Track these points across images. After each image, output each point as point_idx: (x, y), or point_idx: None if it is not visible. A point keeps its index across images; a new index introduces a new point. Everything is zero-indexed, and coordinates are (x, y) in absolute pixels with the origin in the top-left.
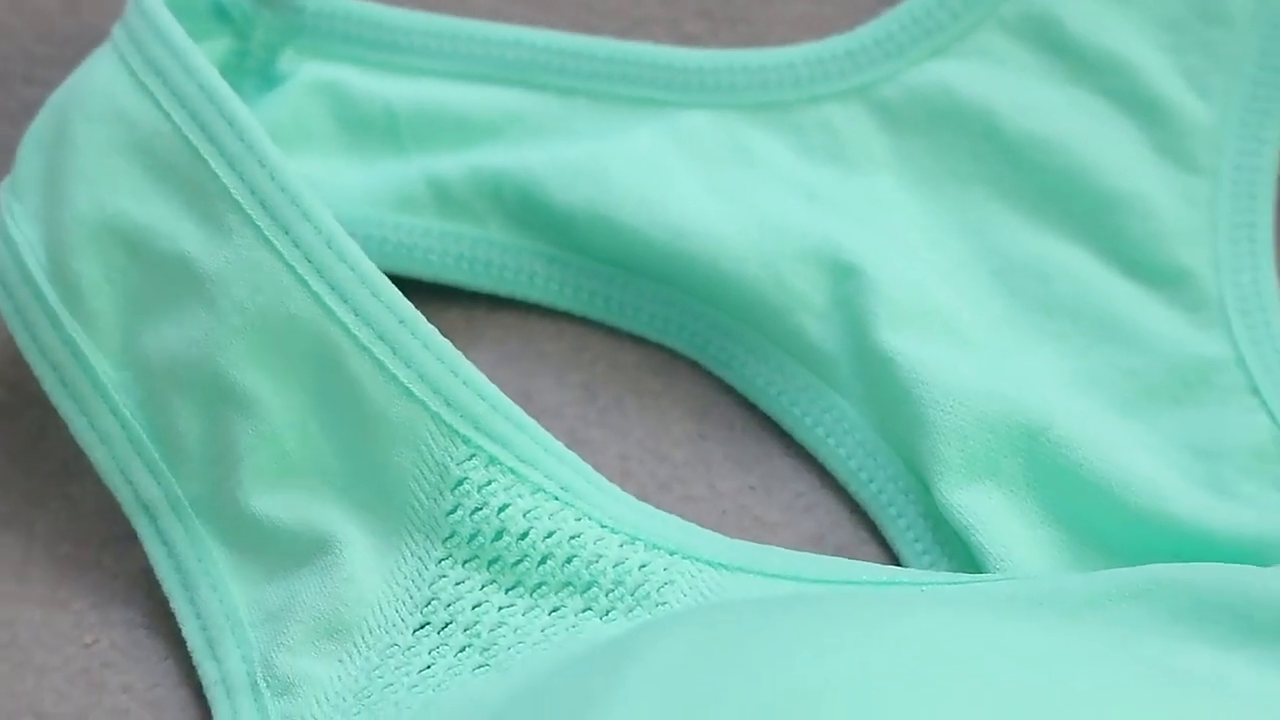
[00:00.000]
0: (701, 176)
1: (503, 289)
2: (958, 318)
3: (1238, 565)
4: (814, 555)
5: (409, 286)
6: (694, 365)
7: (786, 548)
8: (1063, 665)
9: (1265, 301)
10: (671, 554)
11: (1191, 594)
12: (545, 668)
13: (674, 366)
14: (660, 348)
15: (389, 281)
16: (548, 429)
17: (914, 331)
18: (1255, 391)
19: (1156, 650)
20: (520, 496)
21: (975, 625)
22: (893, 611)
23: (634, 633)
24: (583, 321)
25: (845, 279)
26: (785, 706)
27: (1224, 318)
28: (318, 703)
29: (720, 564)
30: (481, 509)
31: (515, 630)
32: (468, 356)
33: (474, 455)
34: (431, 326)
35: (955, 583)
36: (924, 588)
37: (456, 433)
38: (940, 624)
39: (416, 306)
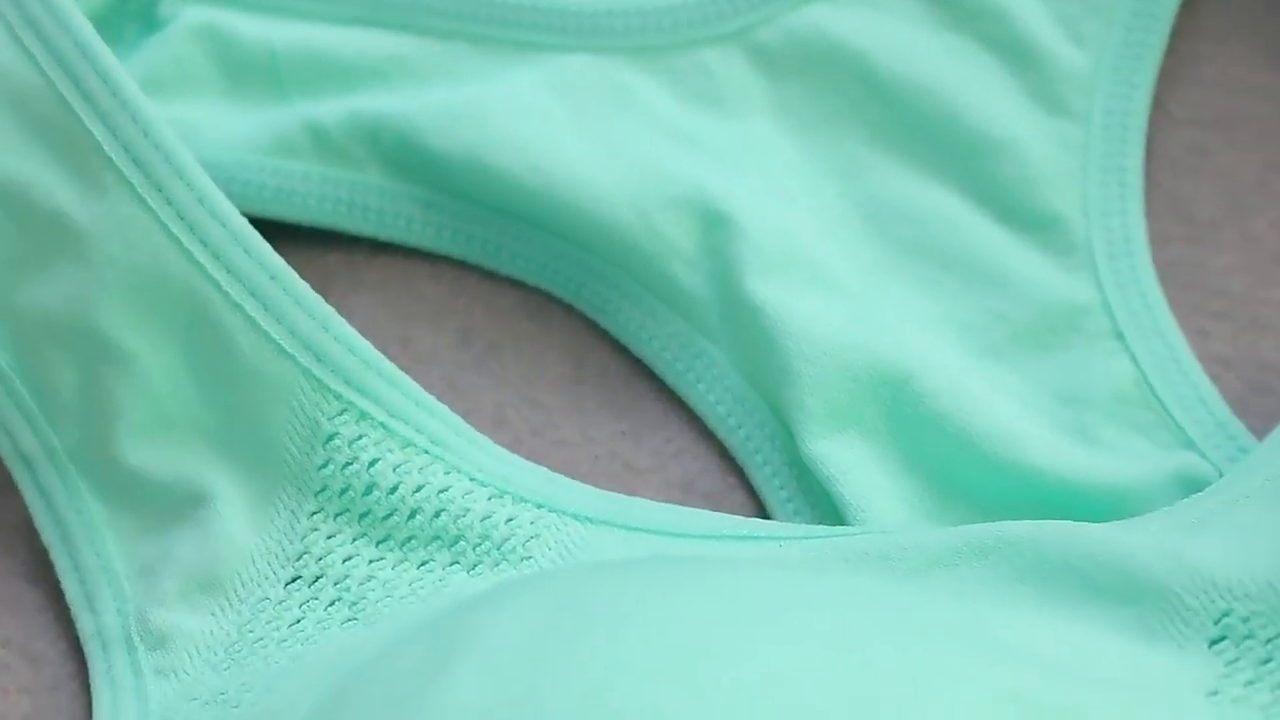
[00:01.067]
0: (579, 121)
1: (382, 233)
2: (828, 265)
3: (1085, 524)
4: (678, 508)
5: (291, 231)
6: (570, 309)
7: (656, 494)
8: (883, 640)
9: (1133, 246)
10: (538, 507)
11: (1037, 553)
12: (409, 623)
13: (550, 310)
14: (538, 291)
15: (261, 239)
16: (424, 375)
17: (782, 280)
18: (1119, 336)
19: (998, 611)
20: (390, 451)
21: (815, 593)
22: (733, 584)
23: (482, 600)
24: (462, 265)
25: (716, 226)
26: (614, 694)
27: (1091, 262)
28: (190, 656)
29: (586, 518)
30: (352, 464)
31: (384, 584)
32: (348, 301)
33: (345, 411)
34: (304, 283)
35: (812, 536)
36: (781, 543)
37: (328, 388)
38: (780, 598)
39: (297, 250)
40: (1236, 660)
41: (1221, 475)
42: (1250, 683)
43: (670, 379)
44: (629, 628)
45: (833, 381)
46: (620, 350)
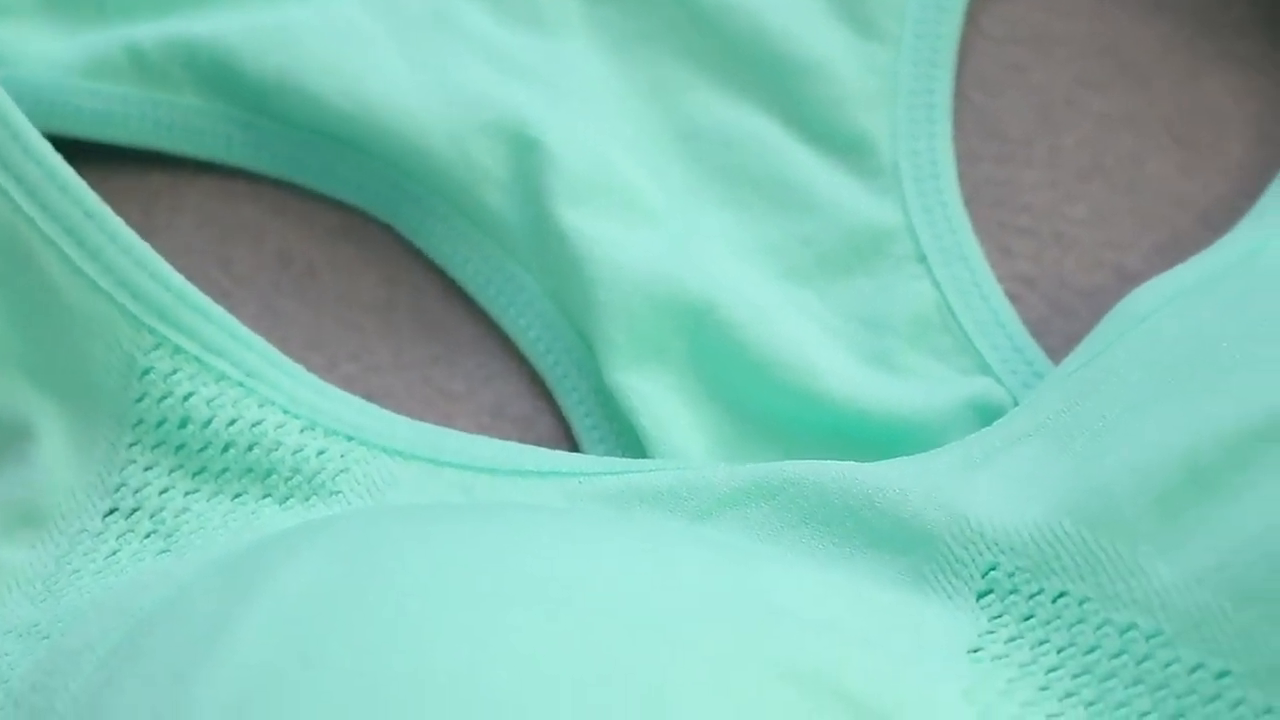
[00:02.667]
0: (397, 43)
1: (202, 153)
2: (639, 190)
3: (866, 466)
4: (486, 440)
5: (115, 153)
6: (388, 230)
7: (467, 419)
8: (658, 609)
9: (939, 169)
10: (348, 440)
11: (820, 495)
12: (213, 558)
13: (368, 231)
14: (356, 212)
15: (77, 176)
16: (243, 298)
17: (591, 208)
18: (922, 259)
19: (773, 567)
20: (204, 385)
21: (598, 553)
22: (519, 541)
23: (279, 542)
24: (283, 185)
25: (528, 153)
26: (392, 654)
27: (898, 185)
28: (9, 590)
29: (395, 451)
30: (167, 398)
31: (198, 516)
32: (171, 223)
33: (159, 345)
34: (119, 220)
35: (611, 472)
36: (580, 479)
37: (142, 324)
38: (560, 559)
39: (121, 173)
40: (1001, 616)
41: (1016, 402)
42: (1012, 639)
43: (483, 303)
44: (412, 588)
45: (637, 311)
46: (436, 273)
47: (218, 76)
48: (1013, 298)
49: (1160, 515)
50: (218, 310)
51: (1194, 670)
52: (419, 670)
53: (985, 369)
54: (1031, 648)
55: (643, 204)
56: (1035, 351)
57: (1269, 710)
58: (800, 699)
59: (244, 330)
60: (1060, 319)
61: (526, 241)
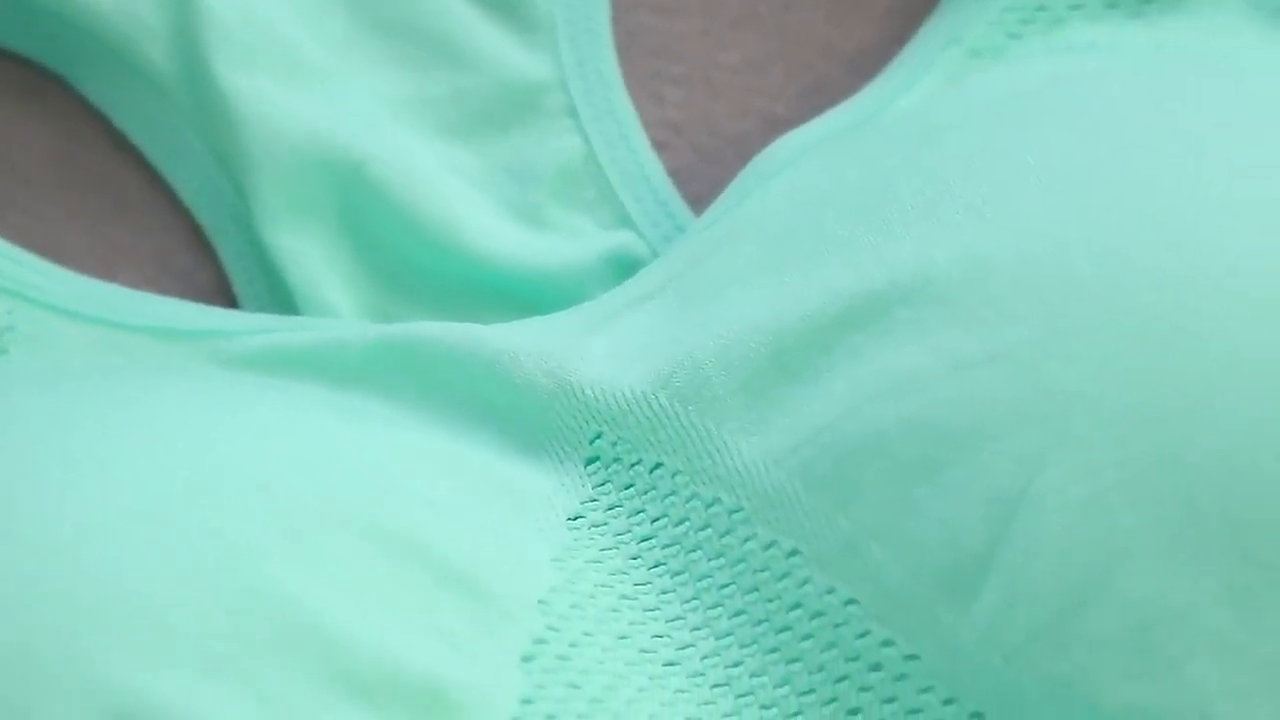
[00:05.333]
0: None
1: None
2: (296, 46)
3: (490, 328)
4: (146, 297)
5: None
6: (60, 82)
7: (133, 271)
8: (245, 456)
9: (594, 22)
10: (14, 297)
11: (448, 358)
12: None
13: (41, 84)
14: (30, 64)
15: None
16: None
17: (247, 65)
18: (573, 113)
19: (397, 433)
20: None
21: (228, 431)
22: (146, 418)
23: None
24: None
25: (186, 8)
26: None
27: (553, 40)
28: None
29: (60, 308)
30: None
31: None
32: None
33: None
34: None
35: (261, 330)
36: (232, 338)
37: None
38: (183, 439)
39: None
40: (604, 484)
41: (657, 256)
42: (612, 508)
43: (149, 156)
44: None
45: (289, 169)
46: (107, 126)
47: None
48: (661, 145)
49: (746, 395)
50: None
51: (768, 547)
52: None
53: (627, 222)
54: (628, 516)
55: (300, 60)
56: (678, 204)
57: (831, 590)
58: (380, 556)
59: None
60: (707, 166)
61: (187, 97)
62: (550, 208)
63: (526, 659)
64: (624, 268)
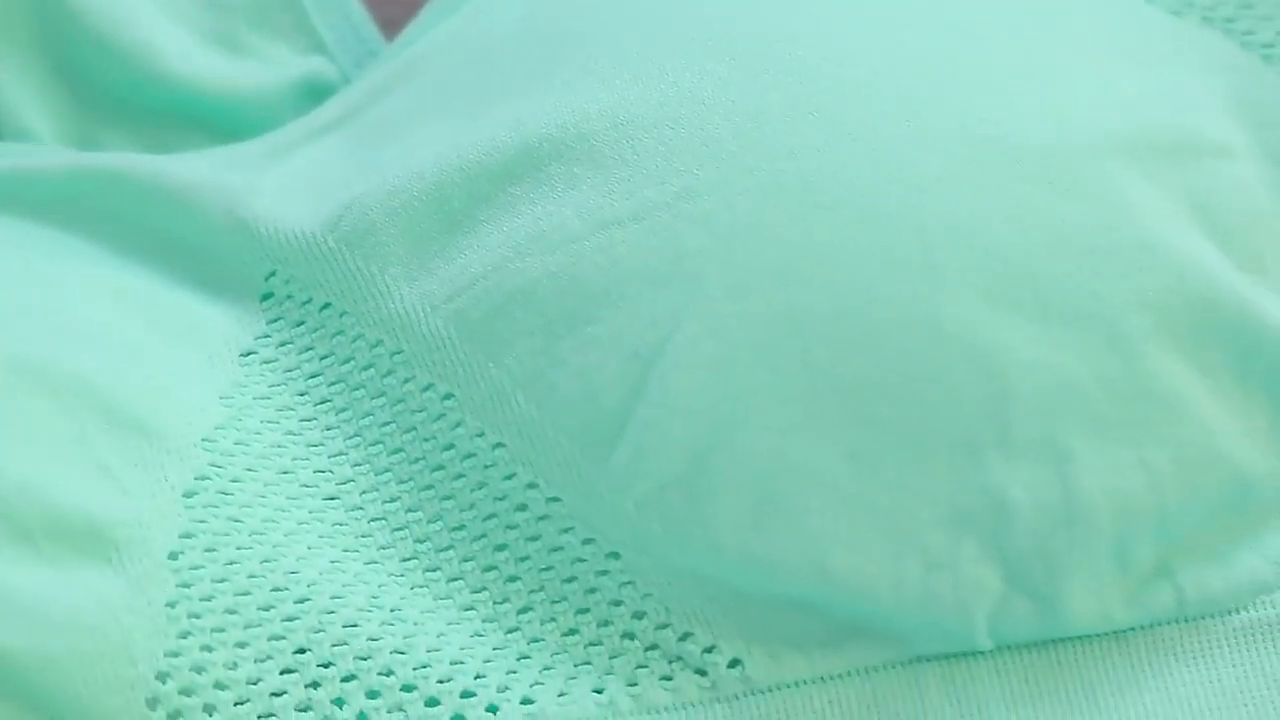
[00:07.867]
0: None
1: None
2: None
3: (183, 160)
4: None
5: None
6: None
7: None
8: None
9: None
10: None
11: (136, 192)
12: None
13: None
14: None
15: None
16: None
17: None
18: None
19: (94, 253)
20: None
21: None
22: None
23: None
24: None
25: None
26: None
27: None
28: None
29: None
30: None
31: None
32: None
33: None
34: None
35: None
36: None
37: None
38: None
39: None
40: (278, 320)
41: (349, 82)
42: (284, 344)
43: None
44: None
45: None
46: None
47: None
48: None
49: (409, 241)
50: None
51: (426, 389)
52: None
53: (321, 47)
54: (299, 353)
55: None
56: (371, 29)
57: (481, 434)
58: (43, 397)
59: None
60: None
61: None
62: (246, 33)
63: (188, 495)
64: (317, 94)
